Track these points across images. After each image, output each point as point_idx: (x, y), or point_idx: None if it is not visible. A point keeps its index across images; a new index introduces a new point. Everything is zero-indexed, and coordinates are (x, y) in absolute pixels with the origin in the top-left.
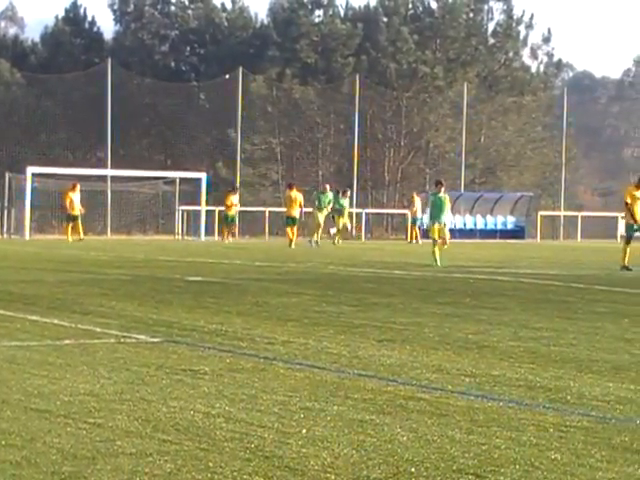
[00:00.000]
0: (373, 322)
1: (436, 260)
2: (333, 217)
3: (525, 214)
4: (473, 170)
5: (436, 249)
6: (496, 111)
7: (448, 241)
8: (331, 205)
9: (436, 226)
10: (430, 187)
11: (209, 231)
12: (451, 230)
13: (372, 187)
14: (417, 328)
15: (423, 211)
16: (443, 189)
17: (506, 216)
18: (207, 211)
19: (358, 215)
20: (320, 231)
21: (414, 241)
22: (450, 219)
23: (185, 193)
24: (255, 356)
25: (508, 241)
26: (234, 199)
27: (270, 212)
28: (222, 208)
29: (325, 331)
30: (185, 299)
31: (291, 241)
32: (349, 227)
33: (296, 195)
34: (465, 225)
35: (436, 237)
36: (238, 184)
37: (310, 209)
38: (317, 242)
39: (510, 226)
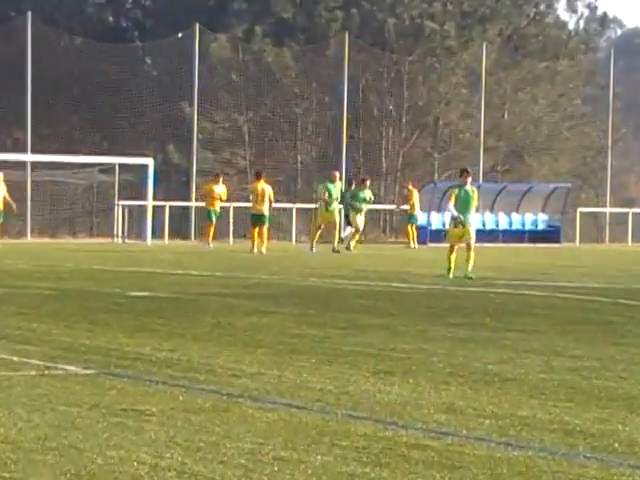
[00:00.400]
0: (367, 348)
1: (450, 269)
2: (347, 215)
3: (560, 211)
4: (494, 155)
5: (453, 256)
6: (523, 80)
7: (473, 246)
8: (339, 200)
9: (458, 227)
10: (439, 177)
11: (157, 233)
12: None
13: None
14: (423, 356)
15: (428, 207)
16: (470, 180)
17: (536, 213)
18: (155, 207)
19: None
20: (318, 235)
21: (412, 244)
22: (477, 219)
23: (127, 184)
24: (216, 392)
25: (539, 245)
26: (218, 189)
27: (236, 209)
28: (186, 204)
29: (305, 360)
30: (127, 320)
31: (253, 245)
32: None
33: (263, 187)
34: (484, 225)
35: (456, 241)
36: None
37: (290, 205)
38: (312, 247)
39: (541, 226)
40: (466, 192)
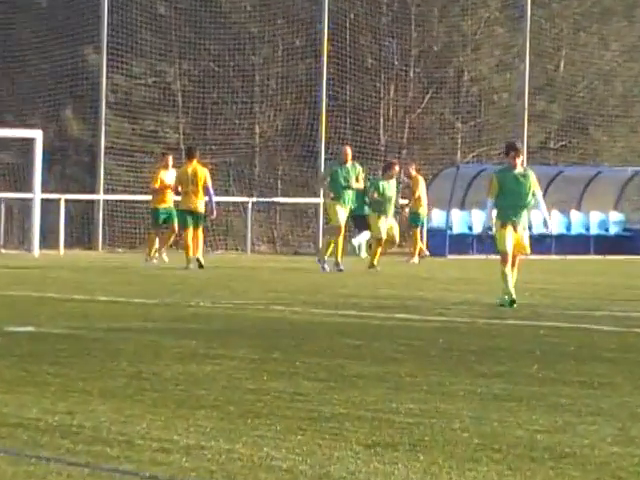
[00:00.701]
0: (357, 410)
1: (510, 293)
2: (364, 216)
3: None
4: (545, 125)
5: (508, 271)
6: (587, 14)
7: (528, 250)
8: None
9: (508, 230)
10: (463, 157)
11: (49, 240)
12: None
13: (357, 156)
14: (439, 421)
15: (448, 201)
16: (520, 160)
17: (607, 211)
18: (45, 202)
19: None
20: (340, 242)
21: (414, 258)
22: (546, 215)
23: (3, 168)
24: (135, 475)
25: (610, 257)
26: (166, 177)
27: None
28: (91, 197)
29: (267, 428)
30: (3, 368)
31: (188, 257)
32: (396, 236)
33: (196, 171)
34: (531, 228)
35: (509, 249)
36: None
37: (245, 198)
38: (338, 264)
39: (614, 230)
40: (515, 179)
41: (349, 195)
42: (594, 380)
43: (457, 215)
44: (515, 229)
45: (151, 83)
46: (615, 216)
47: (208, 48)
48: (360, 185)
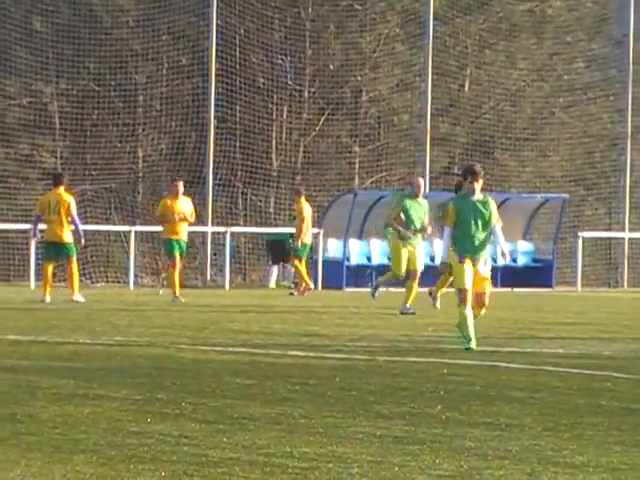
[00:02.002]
0: (248, 454)
1: (469, 337)
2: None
3: (553, 237)
4: (449, 149)
5: (468, 312)
6: (493, 30)
7: (487, 301)
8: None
9: (467, 264)
10: (361, 182)
11: None
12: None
13: (247, 182)
14: (336, 466)
15: (344, 230)
16: (479, 185)
17: (515, 241)
18: None
19: (217, 237)
20: (415, 287)
21: (293, 289)
22: (504, 246)
23: None
24: None
25: (519, 290)
26: (177, 206)
27: (41, 232)
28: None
29: (151, 473)
30: None
31: (45, 291)
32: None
33: (59, 199)
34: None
35: (467, 286)
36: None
37: (126, 227)
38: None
39: (522, 260)
40: (474, 207)
41: (418, 238)
42: (501, 421)
43: (355, 245)
44: (474, 263)
45: (26, 103)
46: (524, 246)
47: (87, 66)
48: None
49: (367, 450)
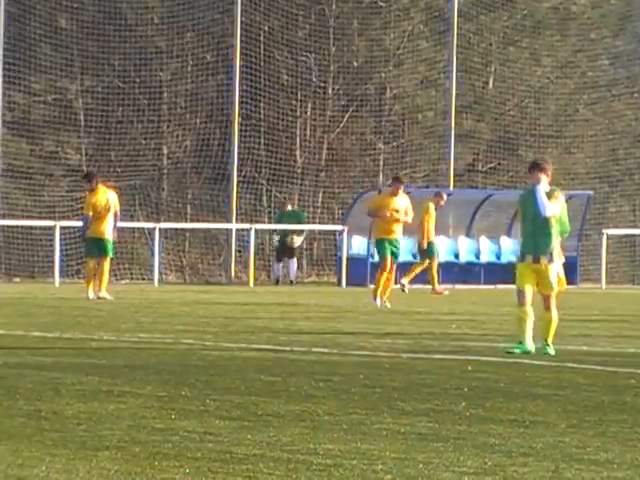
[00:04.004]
0: (272, 451)
1: (524, 341)
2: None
3: (577, 234)
4: (473, 146)
5: (525, 314)
6: (518, 27)
7: (554, 301)
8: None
9: (527, 263)
10: (389, 177)
11: None
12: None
13: (271, 179)
14: (360, 463)
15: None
16: (546, 177)
17: None
18: None
19: (241, 234)
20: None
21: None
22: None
23: None
24: None
25: None
26: (107, 198)
27: (65, 230)
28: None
29: (175, 470)
30: None
31: (88, 287)
32: None
33: (107, 197)
34: (457, 256)
35: (529, 285)
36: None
37: (151, 224)
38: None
39: None
40: (533, 200)
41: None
42: (526, 418)
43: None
44: (535, 261)
45: (51, 100)
46: None
47: (112, 63)
48: None
49: (391, 447)
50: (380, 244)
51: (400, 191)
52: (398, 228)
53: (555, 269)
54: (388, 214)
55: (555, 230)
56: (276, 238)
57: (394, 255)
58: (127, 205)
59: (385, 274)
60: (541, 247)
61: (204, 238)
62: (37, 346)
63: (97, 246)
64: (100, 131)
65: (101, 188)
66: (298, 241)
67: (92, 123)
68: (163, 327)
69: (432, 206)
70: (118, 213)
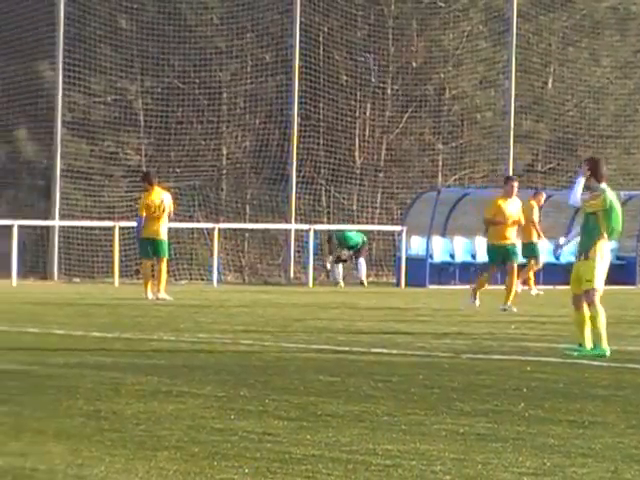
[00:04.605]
0: (331, 451)
1: (583, 342)
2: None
3: (637, 234)
4: (532, 146)
5: (578, 315)
6: (577, 27)
7: (597, 300)
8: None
9: (578, 259)
10: (448, 177)
11: (0, 269)
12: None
13: (330, 180)
14: (419, 463)
15: (427, 227)
16: (594, 172)
17: None
18: None
19: (300, 235)
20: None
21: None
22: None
23: None
24: None
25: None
26: (162, 199)
27: (124, 230)
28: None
29: (235, 470)
30: None
31: (147, 288)
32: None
33: (162, 197)
34: (453, 257)
35: (574, 289)
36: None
37: (210, 224)
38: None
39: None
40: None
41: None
42: (585, 419)
43: (438, 242)
44: (578, 258)
45: (111, 101)
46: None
47: (172, 64)
48: None
49: (450, 447)
50: (492, 250)
51: (515, 191)
52: (513, 233)
53: (594, 267)
54: (507, 220)
55: (599, 229)
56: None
57: (514, 255)
58: (186, 206)
59: (485, 275)
60: (582, 245)
61: (263, 238)
62: (97, 346)
63: (151, 247)
64: (160, 132)
65: (156, 189)
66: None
67: (152, 124)
68: (222, 327)
69: (536, 205)
70: (172, 214)
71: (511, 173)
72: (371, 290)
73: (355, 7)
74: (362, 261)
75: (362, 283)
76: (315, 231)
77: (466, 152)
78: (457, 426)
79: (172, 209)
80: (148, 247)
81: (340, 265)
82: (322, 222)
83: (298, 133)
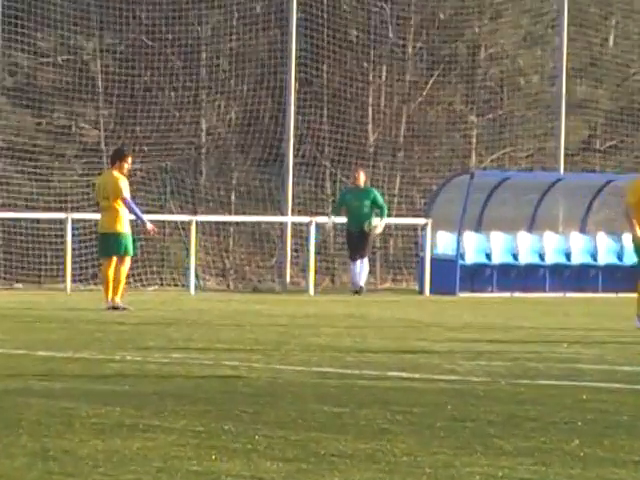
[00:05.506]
0: None
1: None
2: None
3: None
4: (589, 118)
5: None
6: None
7: None
8: None
9: None
10: (483, 161)
11: None
12: (536, 268)
13: (337, 161)
14: None
15: (458, 219)
16: None
17: None
18: None
19: (299, 230)
20: None
21: None
22: None
23: None
24: None
25: None
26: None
27: (77, 222)
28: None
29: None
30: None
31: (106, 295)
32: None
33: (117, 179)
34: (569, 257)
35: None
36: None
37: (187, 217)
38: None
39: None
40: None
41: None
42: None
43: (471, 239)
44: None
45: (62, 62)
46: None
47: (138, 16)
48: None
49: None
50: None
51: None
52: None
53: None
54: None
55: None
56: (330, 220)
57: None
58: (156, 193)
59: None
60: None
61: (252, 234)
62: (44, 369)
63: (109, 243)
64: (123, 101)
65: (107, 171)
66: (379, 227)
67: (113, 91)
68: (201, 345)
69: None
70: (127, 200)
71: (562, 151)
72: (387, 298)
73: None
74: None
75: (358, 291)
76: (317, 225)
77: (506, 126)
78: (495, 469)
79: (126, 195)
80: (105, 244)
81: (358, 262)
82: (326, 214)
83: (296, 103)
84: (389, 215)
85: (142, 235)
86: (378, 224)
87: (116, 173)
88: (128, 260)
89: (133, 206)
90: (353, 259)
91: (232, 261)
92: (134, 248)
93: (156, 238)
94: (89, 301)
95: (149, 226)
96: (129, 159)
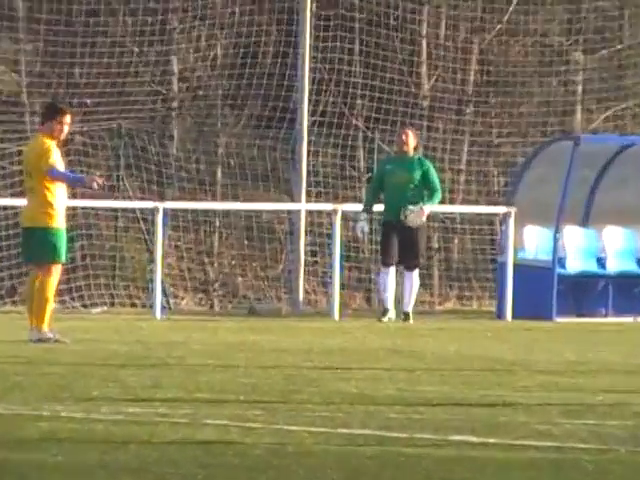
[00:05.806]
0: None
1: None
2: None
3: None
4: None
5: None
6: None
7: None
8: None
9: None
10: (592, 121)
11: None
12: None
13: (374, 119)
14: None
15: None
16: None
17: None
18: None
19: (318, 222)
20: None
21: None
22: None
23: None
24: None
25: None
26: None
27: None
28: None
29: None
30: None
31: (33, 322)
32: None
33: (35, 146)
34: (603, 264)
35: None
36: None
37: (219, 204)
38: None
39: None
40: None
41: None
42: None
43: (575, 237)
44: None
45: None
46: None
47: None
48: None
49: None
50: None
51: None
52: None
53: None
54: None
55: None
56: (363, 218)
57: None
58: (105, 168)
59: None
60: None
61: (247, 230)
62: None
63: (32, 243)
64: (55, 30)
65: (34, 135)
66: (417, 218)
67: (40, 15)
68: (171, 395)
69: None
70: (53, 170)
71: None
72: (449, 325)
73: None
74: (414, 276)
75: (406, 316)
76: (344, 214)
77: (628, 68)
78: None
79: (59, 167)
80: (25, 244)
81: (405, 273)
82: (359, 199)
83: (312, 34)
84: (442, 202)
85: (83, 230)
86: (416, 211)
87: (43, 138)
88: (58, 269)
89: (62, 173)
90: (386, 264)
91: (217, 269)
92: (68, 251)
93: (104, 234)
94: (4, 329)
95: (91, 181)
96: (65, 118)
